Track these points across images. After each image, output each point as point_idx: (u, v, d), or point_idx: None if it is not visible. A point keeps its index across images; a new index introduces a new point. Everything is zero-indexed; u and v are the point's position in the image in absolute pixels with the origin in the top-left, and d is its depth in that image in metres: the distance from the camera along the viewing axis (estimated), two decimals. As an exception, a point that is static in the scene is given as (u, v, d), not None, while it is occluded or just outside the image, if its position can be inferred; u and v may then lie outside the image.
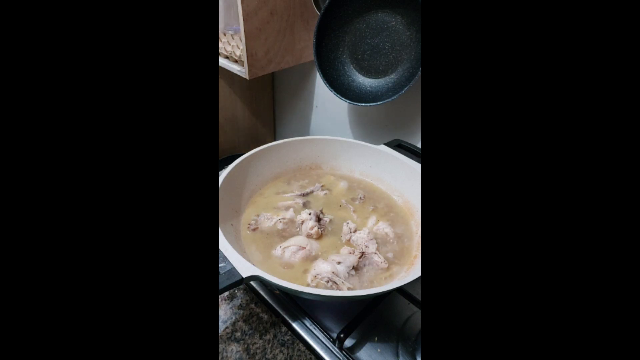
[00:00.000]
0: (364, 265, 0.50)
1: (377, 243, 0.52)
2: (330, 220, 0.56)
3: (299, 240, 0.52)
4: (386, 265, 0.50)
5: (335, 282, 0.45)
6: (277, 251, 0.51)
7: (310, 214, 0.55)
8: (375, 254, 0.50)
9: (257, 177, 0.62)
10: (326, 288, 0.45)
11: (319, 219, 0.55)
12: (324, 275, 0.46)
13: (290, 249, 0.51)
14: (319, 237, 0.54)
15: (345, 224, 0.55)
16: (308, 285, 0.46)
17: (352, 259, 0.48)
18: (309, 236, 0.53)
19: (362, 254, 0.50)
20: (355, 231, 0.54)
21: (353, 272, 0.48)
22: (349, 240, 0.53)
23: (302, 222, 0.55)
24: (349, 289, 0.45)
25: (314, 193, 0.62)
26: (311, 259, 0.50)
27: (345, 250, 0.51)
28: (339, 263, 0.47)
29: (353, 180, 0.66)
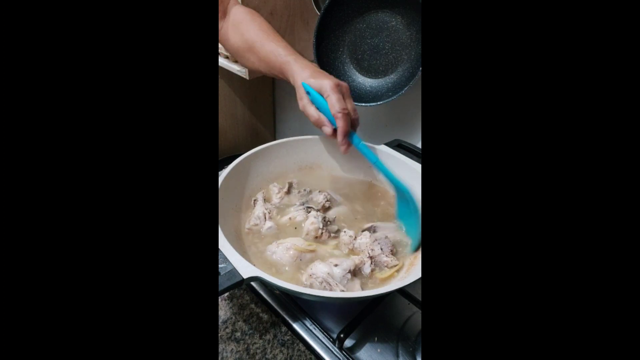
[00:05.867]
0: (375, 268, 0.49)
1: (379, 243, 0.51)
2: (338, 230, 0.56)
3: (296, 240, 0.52)
4: (397, 263, 0.49)
5: (329, 284, 0.45)
6: (273, 246, 0.51)
7: (317, 216, 0.55)
8: (383, 254, 0.50)
9: (257, 177, 0.62)
10: (320, 289, 0.45)
11: (325, 223, 0.55)
12: (319, 275, 0.46)
13: (285, 245, 0.51)
14: (318, 236, 0.53)
15: (342, 232, 0.54)
16: (303, 284, 0.46)
17: (349, 263, 0.48)
18: (308, 233, 0.53)
19: (372, 259, 0.49)
20: (355, 238, 0.53)
21: (349, 275, 0.47)
22: (352, 249, 0.52)
23: (306, 218, 0.55)
24: (342, 292, 0.45)
25: (313, 199, 0.62)
26: (305, 260, 0.50)
27: (350, 260, 0.50)
28: (335, 265, 0.47)
29: (353, 180, 0.66)
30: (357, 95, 0.70)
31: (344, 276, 0.47)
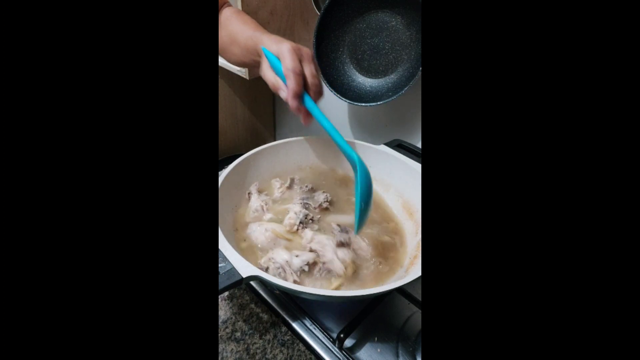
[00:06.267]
0: (321, 268, 0.48)
1: (334, 246, 0.49)
2: (319, 229, 0.55)
3: (276, 225, 0.52)
4: (341, 272, 0.47)
5: (285, 272, 0.46)
6: (254, 225, 0.52)
7: (298, 213, 0.55)
8: (335, 258, 0.48)
9: (257, 177, 0.62)
10: (275, 275, 0.46)
11: (307, 221, 0.55)
12: (278, 261, 0.46)
13: (264, 227, 0.51)
14: (294, 232, 0.54)
15: (304, 232, 0.53)
16: (260, 265, 0.47)
17: (309, 256, 0.48)
18: (285, 225, 0.54)
19: (323, 264, 0.48)
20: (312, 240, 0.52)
21: (307, 268, 0.47)
22: (312, 250, 0.51)
23: (288, 211, 0.56)
24: (295, 282, 0.45)
25: (315, 198, 0.61)
26: (280, 246, 0.51)
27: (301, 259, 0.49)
28: (297, 256, 0.47)
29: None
30: (357, 95, 0.70)
31: (300, 267, 0.47)
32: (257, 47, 0.53)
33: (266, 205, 0.57)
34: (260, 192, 0.60)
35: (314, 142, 0.65)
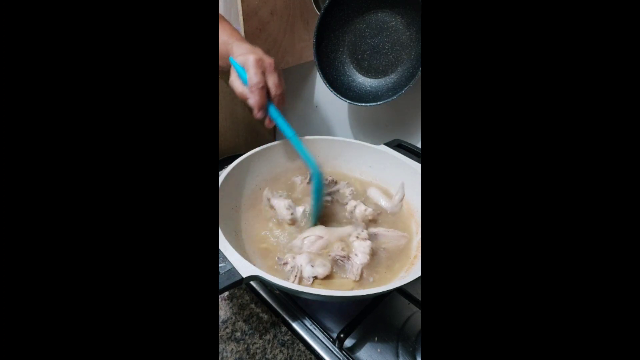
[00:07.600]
0: (340, 266, 0.49)
1: (368, 259, 0.50)
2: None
3: (317, 230, 0.53)
4: (355, 279, 0.48)
5: (292, 273, 0.47)
6: (297, 242, 0.52)
7: (365, 206, 0.57)
8: (358, 265, 0.49)
9: (257, 177, 0.62)
10: (282, 271, 0.48)
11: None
12: (294, 264, 0.48)
13: (310, 239, 0.52)
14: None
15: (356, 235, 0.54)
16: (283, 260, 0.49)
17: (323, 270, 0.48)
18: (364, 219, 0.56)
19: (346, 258, 0.49)
20: (357, 237, 0.53)
21: (310, 280, 0.47)
22: (346, 243, 0.53)
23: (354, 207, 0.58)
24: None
25: (340, 191, 0.63)
26: (329, 246, 0.51)
27: (337, 245, 0.51)
28: (312, 266, 0.48)
29: (353, 180, 0.66)
30: (357, 95, 0.70)
31: (308, 277, 0.47)
32: (228, 53, 0.57)
33: (293, 208, 0.57)
34: (273, 192, 0.61)
35: (313, 142, 0.65)
